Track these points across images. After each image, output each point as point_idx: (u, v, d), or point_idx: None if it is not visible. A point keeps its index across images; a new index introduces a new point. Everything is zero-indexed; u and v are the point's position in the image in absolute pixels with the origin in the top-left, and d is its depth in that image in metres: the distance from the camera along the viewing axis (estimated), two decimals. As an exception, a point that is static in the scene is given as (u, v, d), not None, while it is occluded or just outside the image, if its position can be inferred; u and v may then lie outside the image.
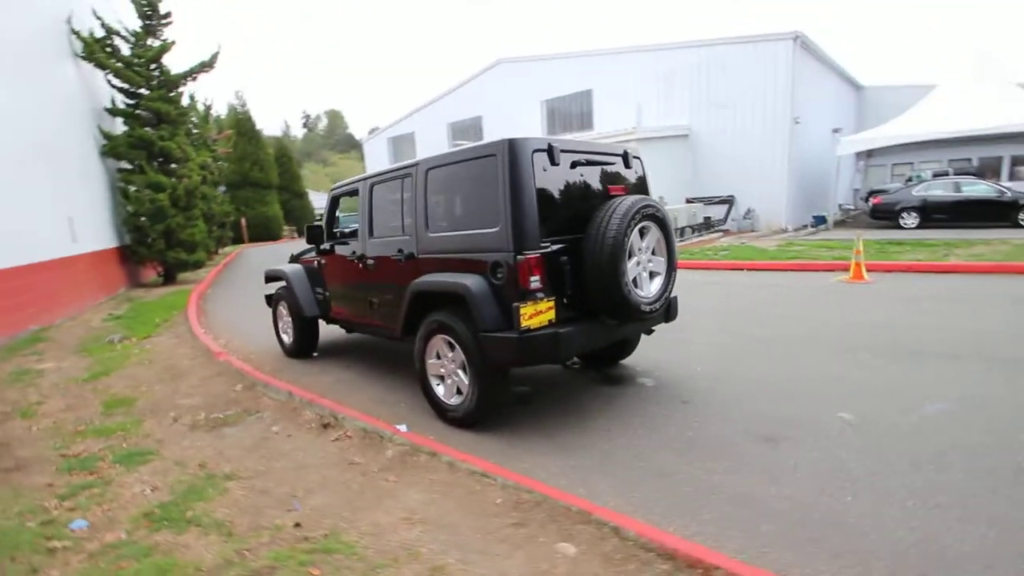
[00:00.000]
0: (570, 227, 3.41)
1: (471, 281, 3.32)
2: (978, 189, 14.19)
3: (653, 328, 4.11)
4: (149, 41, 11.60)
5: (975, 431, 3.11)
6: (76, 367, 5.74)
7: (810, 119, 17.36)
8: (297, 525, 2.45)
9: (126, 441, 3.66)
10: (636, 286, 3.49)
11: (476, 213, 3.47)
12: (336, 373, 5.17)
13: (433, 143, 26.26)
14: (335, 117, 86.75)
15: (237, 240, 26.18)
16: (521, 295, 3.14)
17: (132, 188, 11.18)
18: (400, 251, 4.03)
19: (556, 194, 3.38)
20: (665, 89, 18.26)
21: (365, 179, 4.56)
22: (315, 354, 5.90)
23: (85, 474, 3.13)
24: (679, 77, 17.91)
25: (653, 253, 3.67)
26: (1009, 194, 13.55)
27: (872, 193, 20.04)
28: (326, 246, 5.17)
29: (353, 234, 5.36)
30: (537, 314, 3.16)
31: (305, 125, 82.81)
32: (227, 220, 19.84)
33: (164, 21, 11.66)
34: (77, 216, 9.23)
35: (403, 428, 3.54)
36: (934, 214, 14.35)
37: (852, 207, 21.61)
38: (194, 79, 11.83)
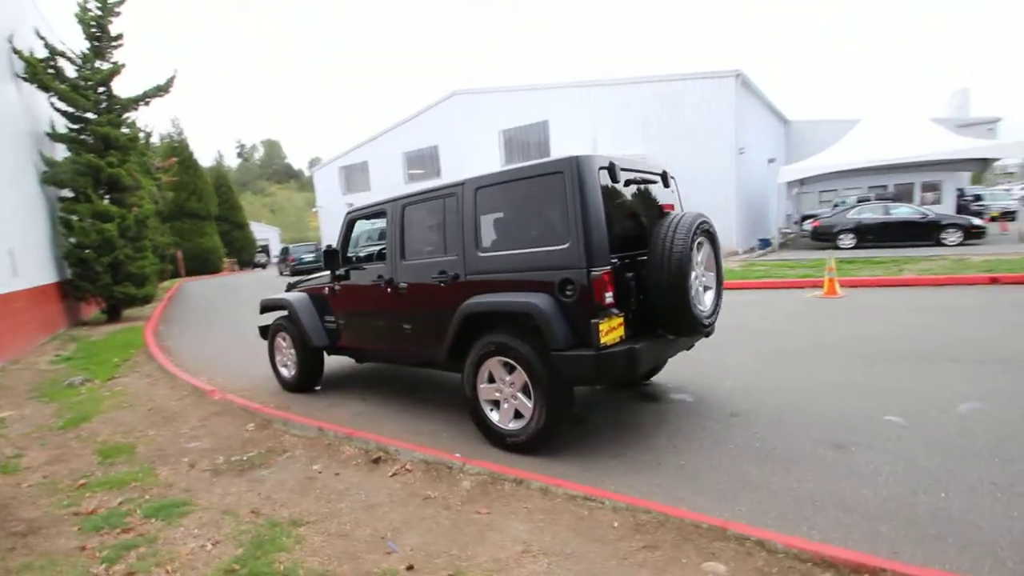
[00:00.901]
0: (628, 243, 3.43)
1: (539, 300, 3.24)
2: (903, 212, 15.69)
3: (693, 343, 4.16)
4: (98, 63, 10.84)
5: (1014, 425, 3.32)
6: (41, 414, 5.07)
7: (750, 150, 18.68)
8: (410, 568, 2.23)
9: (147, 493, 3.23)
10: (695, 300, 3.53)
11: (539, 231, 3.42)
12: (351, 406, 4.86)
13: (387, 172, 26.05)
14: (272, 147, 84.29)
15: (174, 274, 24.50)
16: (595, 311, 3.10)
17: (75, 218, 10.23)
18: (443, 273, 3.88)
19: (616, 211, 3.40)
20: (619, 120, 19.10)
21: (394, 200, 4.40)
22: (317, 388, 5.54)
23: (117, 532, 2.72)
24: (632, 109, 18.81)
25: (705, 268, 3.75)
26: (931, 216, 15.07)
27: (806, 217, 21.75)
28: (340, 272, 4.91)
29: (371, 258, 5.15)
30: (611, 330, 3.12)
31: (240, 155, 79.70)
32: (167, 252, 18.56)
33: (115, 43, 10.95)
34: (17, 249, 8.31)
35: (458, 456, 3.34)
36: (867, 235, 15.70)
37: (789, 230, 23.26)
38: (147, 103, 11.13)
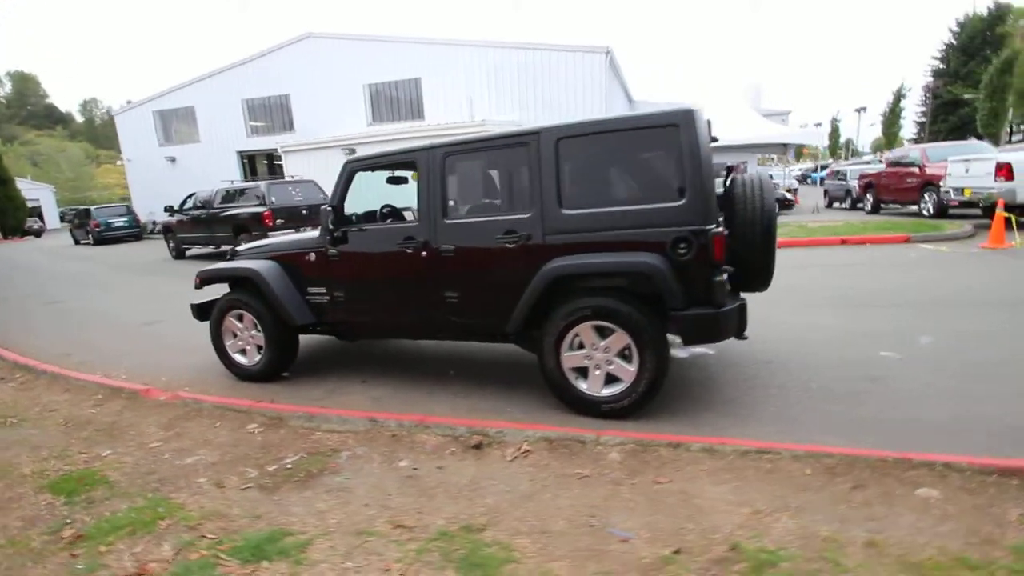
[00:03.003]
0: None
1: (654, 259, 3.10)
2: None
3: None
4: None
5: (966, 353, 4.18)
6: None
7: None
8: (678, 552, 2.02)
9: (197, 530, 2.38)
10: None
11: (643, 186, 3.25)
12: (356, 390, 4.20)
13: (222, 121, 22.30)
14: (25, 82, 65.49)
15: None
16: (713, 269, 3.09)
17: None
18: (510, 233, 3.47)
19: (707, 168, 3.38)
20: (494, 85, 18.94)
21: (429, 149, 3.74)
22: (285, 374, 4.62)
23: (234, 590, 1.97)
24: (508, 74, 18.77)
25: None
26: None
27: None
28: (338, 234, 4.07)
29: (375, 217, 4.40)
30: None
31: (-27, 87, 60.30)
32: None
33: None
34: None
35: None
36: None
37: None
38: None
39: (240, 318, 4.48)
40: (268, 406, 3.73)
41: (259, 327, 4.39)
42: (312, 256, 4.25)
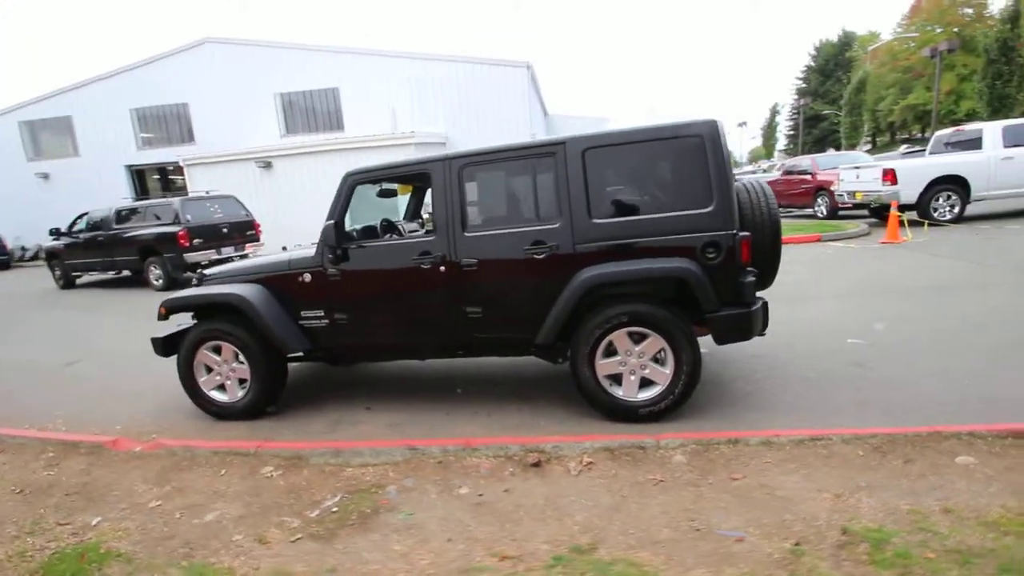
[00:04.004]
0: None
1: (688, 264, 3.21)
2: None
3: None
4: None
5: (926, 334, 4.74)
6: None
7: (528, 136, 20.63)
8: (798, 544, 2.08)
9: (271, 594, 2.08)
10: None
11: (670, 194, 3.36)
12: (366, 419, 3.92)
13: (107, 131, 19.91)
14: None
15: None
16: (741, 271, 3.27)
17: None
18: (538, 244, 3.43)
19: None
20: (418, 96, 18.66)
21: (444, 160, 3.60)
22: (271, 409, 4.19)
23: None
24: (432, 87, 18.59)
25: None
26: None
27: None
28: (340, 251, 3.77)
29: (375, 233, 4.13)
30: (751, 289, 3.35)
31: None
32: None
33: None
34: None
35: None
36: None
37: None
38: None
39: (217, 350, 4.01)
40: (282, 445, 3.35)
41: (242, 358, 3.94)
42: (307, 277, 3.90)
